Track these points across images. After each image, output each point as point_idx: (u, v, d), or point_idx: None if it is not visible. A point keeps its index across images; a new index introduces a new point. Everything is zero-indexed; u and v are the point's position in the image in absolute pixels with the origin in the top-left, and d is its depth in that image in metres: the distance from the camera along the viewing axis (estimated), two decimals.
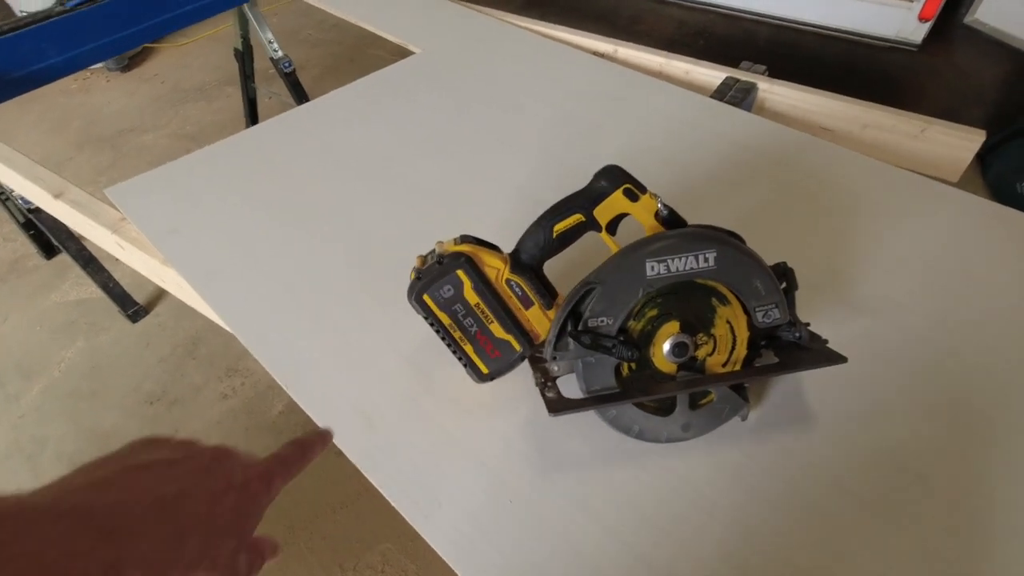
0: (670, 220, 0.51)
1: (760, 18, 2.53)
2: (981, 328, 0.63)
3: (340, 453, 0.55)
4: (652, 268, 0.46)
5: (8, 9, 2.59)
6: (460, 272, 0.50)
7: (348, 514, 1.15)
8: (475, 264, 0.50)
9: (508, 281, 0.51)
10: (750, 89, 1.02)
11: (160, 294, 1.59)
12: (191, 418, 1.32)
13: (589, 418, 0.52)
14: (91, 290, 1.56)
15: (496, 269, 0.51)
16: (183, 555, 0.25)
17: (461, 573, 0.46)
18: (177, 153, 0.90)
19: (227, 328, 0.66)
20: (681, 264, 0.46)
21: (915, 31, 2.26)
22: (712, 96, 1.01)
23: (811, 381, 0.57)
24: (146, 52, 2.63)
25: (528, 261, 0.52)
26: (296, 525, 1.13)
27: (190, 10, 1.39)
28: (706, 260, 0.46)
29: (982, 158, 1.84)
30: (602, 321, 0.48)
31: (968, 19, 2.40)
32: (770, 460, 0.52)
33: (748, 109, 1.01)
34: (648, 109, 0.96)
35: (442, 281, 0.50)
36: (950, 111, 2.00)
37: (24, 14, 1.17)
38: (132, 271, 0.90)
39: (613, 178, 0.51)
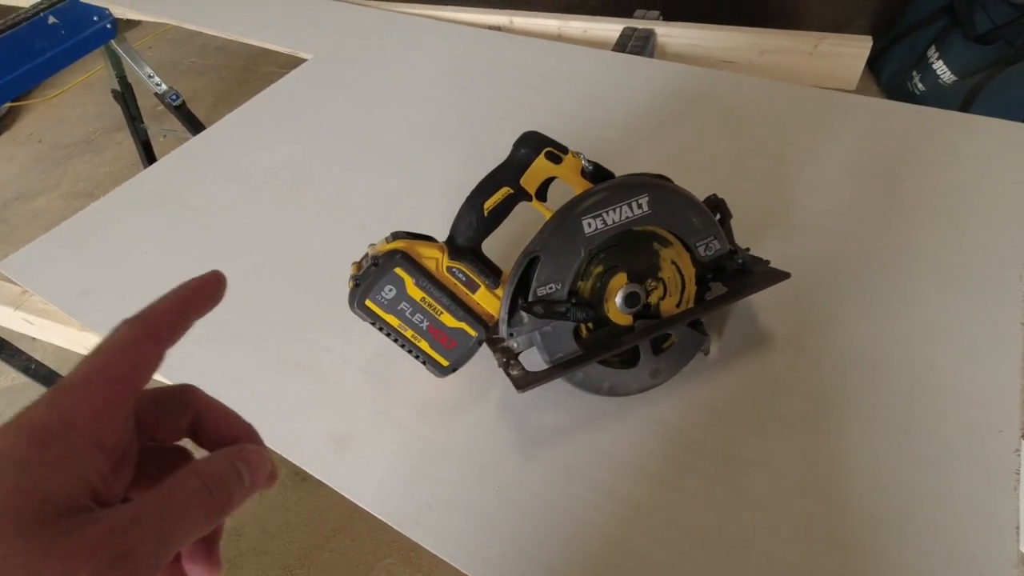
0: (597, 175, 0.51)
1: None
2: (910, 219, 0.66)
3: (323, 481, 0.52)
4: (589, 225, 0.46)
5: None
6: (398, 269, 0.48)
7: (343, 540, 1.12)
8: (412, 258, 0.48)
9: (449, 268, 0.49)
10: (649, 36, 1.03)
11: None
12: None
13: (560, 387, 0.51)
14: (12, 377, 1.44)
15: (435, 259, 0.49)
16: None
17: (467, 570, 0.45)
18: (75, 214, 0.83)
19: (168, 382, 0.62)
20: (616, 215, 0.46)
21: None
22: (614, 50, 1.02)
23: (762, 303, 0.59)
24: (13, 112, 2.42)
25: (465, 244, 0.50)
26: (292, 565, 1.09)
27: (48, 59, 1.24)
28: (640, 206, 0.46)
29: (872, 65, 1.94)
30: (551, 288, 0.47)
31: None
32: (739, 385, 0.54)
33: (650, 56, 1.02)
34: (554, 74, 0.96)
35: (382, 283, 0.48)
36: (838, 26, 2.09)
37: None
38: (53, 346, 0.83)
39: (533, 144, 0.50)
